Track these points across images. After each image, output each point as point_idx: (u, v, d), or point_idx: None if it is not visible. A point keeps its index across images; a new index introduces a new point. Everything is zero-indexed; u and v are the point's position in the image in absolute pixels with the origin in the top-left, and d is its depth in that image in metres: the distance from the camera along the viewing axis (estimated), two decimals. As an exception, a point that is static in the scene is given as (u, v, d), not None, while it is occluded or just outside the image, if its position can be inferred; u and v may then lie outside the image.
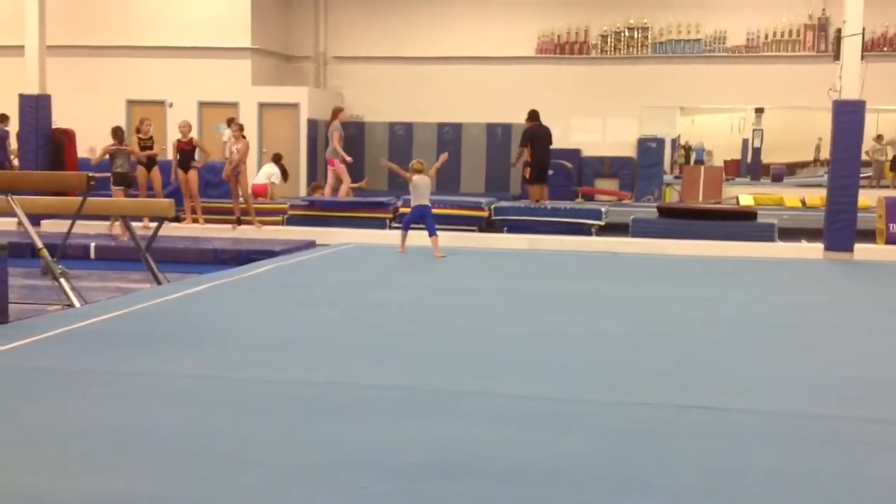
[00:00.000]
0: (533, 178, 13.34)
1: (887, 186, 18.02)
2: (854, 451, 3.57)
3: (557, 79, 18.02)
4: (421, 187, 10.07)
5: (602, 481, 3.15)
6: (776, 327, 6.18)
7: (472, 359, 5.04)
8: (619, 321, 6.28)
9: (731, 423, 3.89)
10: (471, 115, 18.24)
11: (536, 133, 13.22)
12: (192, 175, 12.76)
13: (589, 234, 12.39)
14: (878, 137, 18.64)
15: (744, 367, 4.98)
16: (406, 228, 10.31)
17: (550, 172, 13.84)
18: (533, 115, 13.40)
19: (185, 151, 12.72)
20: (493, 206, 13.00)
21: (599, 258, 10.40)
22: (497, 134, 18.01)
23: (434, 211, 12.71)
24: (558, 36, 18.28)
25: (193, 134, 13.57)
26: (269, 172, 14.99)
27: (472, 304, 7.02)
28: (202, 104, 18.19)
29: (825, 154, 19.03)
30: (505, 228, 12.67)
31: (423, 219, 10.13)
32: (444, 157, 10.83)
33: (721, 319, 6.46)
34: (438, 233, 10.18)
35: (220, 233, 12.41)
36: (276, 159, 15.52)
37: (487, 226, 12.85)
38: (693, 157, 21.09)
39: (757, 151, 19.59)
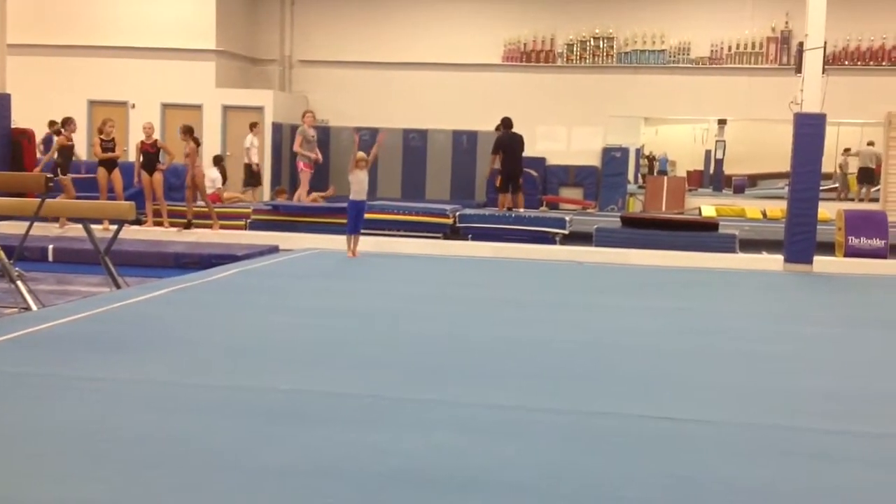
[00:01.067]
0: (502, 186, 13.42)
1: (852, 199, 18.28)
2: (813, 462, 3.59)
3: (523, 87, 18.10)
4: (364, 182, 10.11)
5: (565, 492, 3.14)
6: (736, 338, 6.22)
7: (436, 367, 5.01)
8: (583, 330, 6.29)
9: (693, 433, 3.90)
10: (437, 122, 18.25)
11: (508, 141, 13.31)
12: (157, 177, 12.61)
13: (553, 242, 12.43)
14: (846, 150, 18.88)
15: (705, 377, 5.01)
16: (355, 231, 10.27)
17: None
18: (506, 123, 13.51)
19: (149, 153, 12.57)
20: (457, 214, 13.01)
21: (563, 267, 10.43)
22: (463, 141, 18.04)
23: (399, 217, 12.80)
24: (524, 44, 18.37)
25: (157, 136, 13.42)
26: (212, 177, 14.98)
27: (436, 311, 7.00)
28: (165, 106, 18.01)
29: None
30: (469, 236, 12.68)
31: (359, 214, 10.21)
32: (382, 136, 10.91)
33: (683, 330, 6.50)
34: (404, 239, 10.23)
35: (180, 236, 12.27)
36: (216, 161, 15.50)
37: (452, 233, 12.85)
38: (657, 167, 21.28)
39: (719, 162, 19.82)
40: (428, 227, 12.72)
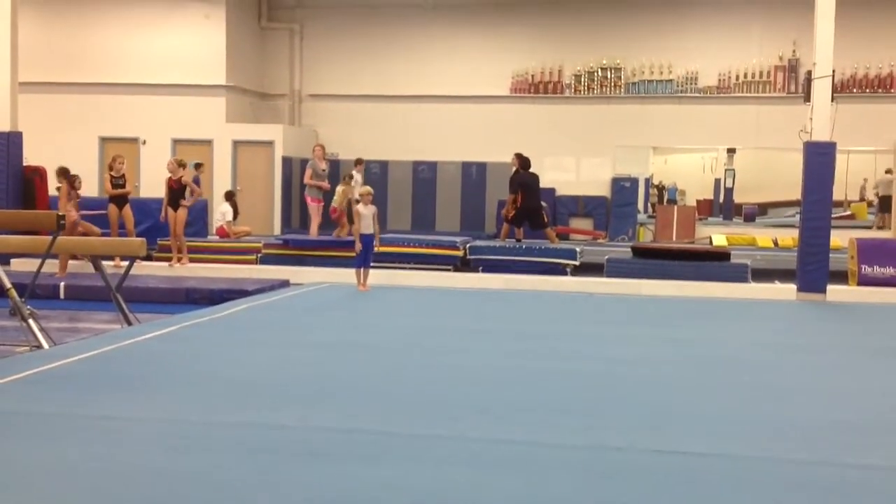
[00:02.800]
0: (514, 220, 13.48)
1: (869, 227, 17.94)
2: (830, 495, 3.54)
3: (532, 118, 18.18)
4: (370, 216, 10.06)
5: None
6: (751, 369, 6.17)
7: (447, 400, 4.98)
8: (595, 362, 6.25)
9: (707, 467, 3.85)
10: (446, 154, 18.33)
11: (528, 180, 13.45)
12: (179, 214, 12.62)
13: (564, 273, 12.40)
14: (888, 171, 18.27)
15: (719, 409, 4.95)
16: (364, 264, 10.20)
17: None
18: (524, 164, 13.59)
19: (173, 190, 12.60)
20: (468, 246, 13.01)
21: (575, 298, 10.40)
22: (472, 173, 18.10)
23: (409, 250, 12.81)
24: (532, 75, 18.47)
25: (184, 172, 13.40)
26: (222, 211, 15.04)
27: (446, 344, 6.97)
28: (176, 141, 18.15)
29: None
30: (480, 268, 12.67)
31: (367, 248, 10.13)
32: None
33: (696, 361, 6.45)
34: (414, 271, 10.23)
35: (192, 272, 12.30)
36: (228, 196, 15.56)
37: (463, 265, 12.84)
38: (666, 196, 21.26)
39: (729, 191, 19.77)
40: (438, 259, 12.73)
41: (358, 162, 15.90)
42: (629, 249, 13.10)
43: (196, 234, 14.09)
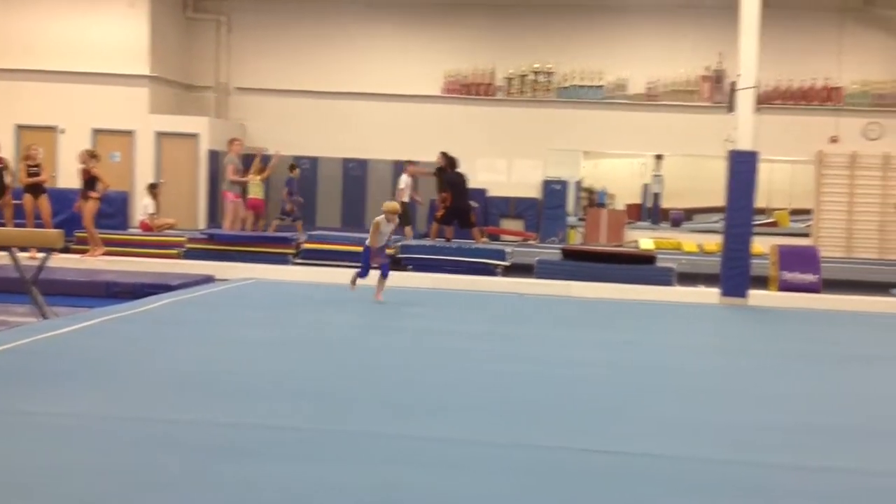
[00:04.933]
0: (444, 219, 13.46)
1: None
2: (754, 496, 3.55)
3: (464, 119, 18.18)
4: (388, 235, 9.14)
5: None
6: (678, 371, 6.22)
7: (376, 399, 4.88)
8: (527, 363, 6.22)
9: (640, 467, 3.83)
10: (377, 152, 18.20)
11: (457, 180, 13.46)
12: (90, 205, 12.20)
13: (494, 274, 12.39)
14: None
15: (650, 410, 4.96)
16: (363, 275, 9.15)
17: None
18: (452, 163, 13.57)
19: (85, 181, 12.20)
20: (398, 244, 12.90)
21: (505, 299, 10.39)
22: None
23: (339, 248, 12.64)
24: (465, 76, 18.47)
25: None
26: (144, 203, 14.70)
27: (376, 343, 6.86)
28: (97, 131, 17.62)
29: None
30: (410, 267, 12.57)
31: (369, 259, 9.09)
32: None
33: (626, 362, 6.46)
34: (343, 270, 10.01)
35: (112, 265, 11.92)
36: (150, 189, 15.21)
37: (392, 264, 12.71)
38: (596, 200, 21.50)
39: (657, 196, 20.08)
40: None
41: (409, 163, 15.50)
42: (559, 251, 13.17)
43: (117, 227, 13.68)
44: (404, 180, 14.88)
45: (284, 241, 12.90)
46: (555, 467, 3.76)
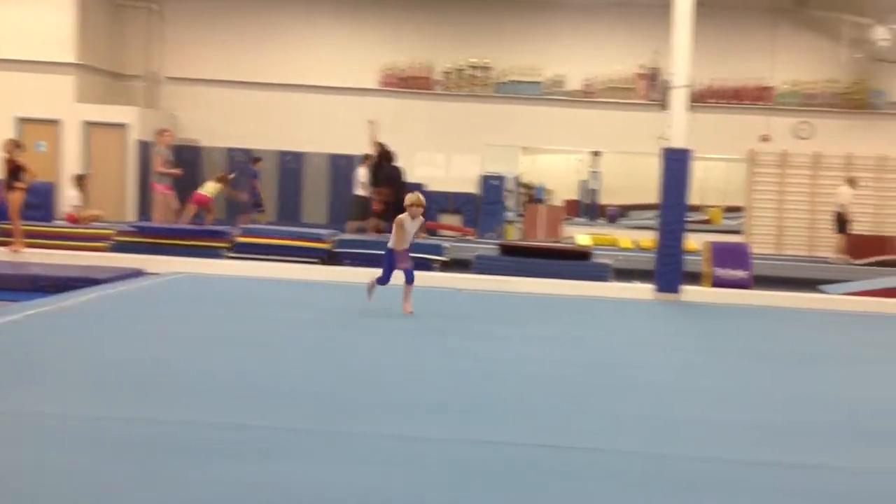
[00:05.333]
0: (382, 213, 13.34)
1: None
2: (691, 490, 3.57)
3: (402, 112, 18.07)
4: (413, 234, 8.11)
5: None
6: (614, 366, 6.24)
7: (312, 395, 4.78)
8: (466, 358, 6.17)
9: (575, 461, 3.83)
10: (314, 145, 17.98)
11: (394, 173, 13.32)
12: (14, 196, 11.75)
13: (431, 269, 12.31)
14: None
15: (585, 405, 4.96)
16: (383, 281, 8.18)
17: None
18: (388, 156, 13.45)
19: (9, 171, 11.75)
20: (335, 239, 12.75)
21: (442, 294, 10.32)
22: (341, 165, 17.82)
23: (274, 242, 12.43)
24: (402, 70, 18.35)
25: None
26: (70, 195, 14.30)
27: (313, 338, 6.73)
28: (22, 120, 17.06)
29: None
30: (347, 261, 12.42)
31: (393, 264, 8.08)
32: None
33: (562, 357, 6.46)
34: (278, 264, 9.80)
35: (37, 257, 11.52)
36: (78, 180, 14.80)
37: (329, 258, 12.56)
38: (534, 195, 21.60)
39: (594, 193, 20.26)
40: (304, 251, 12.40)
41: (367, 157, 15.09)
42: (497, 247, 13.16)
43: (42, 219, 13.25)
44: (363, 173, 14.65)
45: (217, 235, 12.63)
46: (494, 461, 3.73)
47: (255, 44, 18.42)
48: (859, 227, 16.25)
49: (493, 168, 18.31)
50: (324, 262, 12.38)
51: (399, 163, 13.86)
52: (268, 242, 12.39)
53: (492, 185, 18.00)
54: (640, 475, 3.73)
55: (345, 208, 17.59)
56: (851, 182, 16.05)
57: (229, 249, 12.42)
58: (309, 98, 18.19)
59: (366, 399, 4.79)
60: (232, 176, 15.26)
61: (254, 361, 5.70)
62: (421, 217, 8.01)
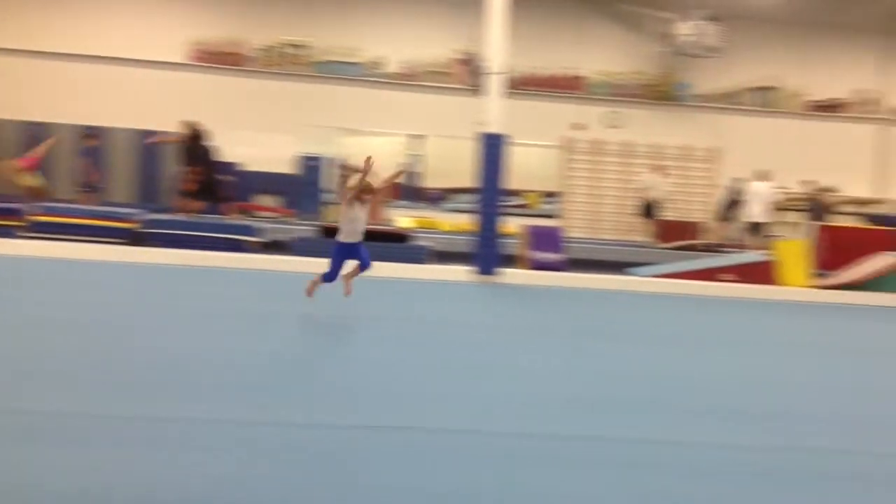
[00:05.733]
0: (193, 193, 12.76)
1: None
2: (507, 464, 3.58)
3: (216, 89, 17.40)
4: (362, 221, 7.21)
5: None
6: (433, 347, 6.20)
7: (123, 380, 4.49)
8: (275, 342, 5.95)
9: (397, 440, 3.79)
10: (118, 120, 16.98)
11: (202, 152, 12.77)
12: None
13: (246, 250, 11.90)
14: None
15: (402, 386, 4.91)
16: (333, 279, 7.23)
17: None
18: (199, 134, 12.88)
19: None
20: (143, 218, 12.07)
21: (257, 276, 9.98)
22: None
23: (76, 221, 11.62)
24: (216, 45, 17.65)
25: None
26: None
27: (118, 322, 6.29)
28: None
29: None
30: (156, 242, 11.79)
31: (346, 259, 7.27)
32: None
33: (378, 338, 6.41)
34: (82, 244, 9.13)
35: None
36: None
37: (136, 239, 11.88)
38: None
39: (416, 176, 20.28)
40: (110, 231, 11.68)
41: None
42: (317, 228, 12.90)
43: None
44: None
45: (10, 213, 11.67)
46: (293, 444, 3.64)
47: (52, 11, 17.16)
48: (666, 213, 17.09)
49: (314, 149, 17.96)
50: (130, 243, 11.70)
51: (212, 142, 13.27)
52: (67, 221, 11.57)
53: (312, 166, 17.65)
54: (458, 450, 3.73)
55: (154, 187, 16.77)
56: (658, 170, 16.86)
57: (24, 228, 11.51)
58: (112, 70, 17.16)
59: (170, 383, 4.55)
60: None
61: (61, 345, 5.24)
62: (371, 201, 7.22)
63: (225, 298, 8.09)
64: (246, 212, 16.38)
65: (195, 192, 12.80)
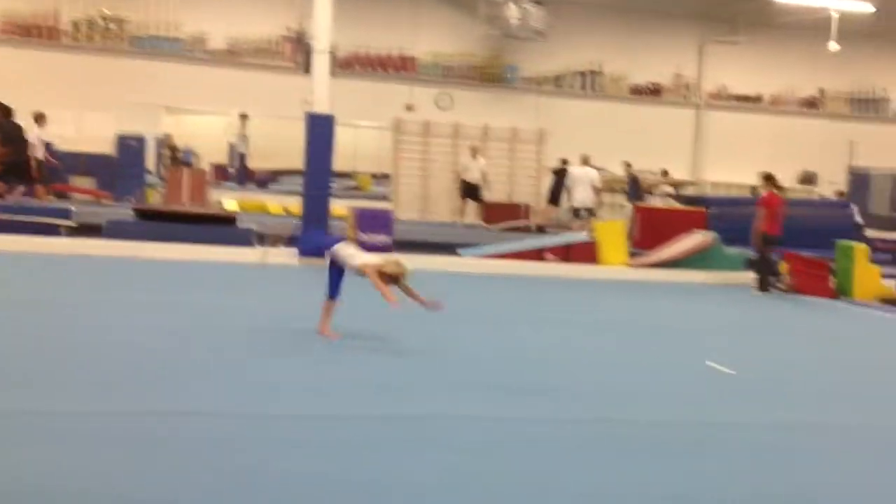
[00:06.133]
0: (7, 175, 12.01)
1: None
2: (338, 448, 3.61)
3: (23, 64, 16.34)
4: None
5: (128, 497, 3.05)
6: (253, 336, 6.14)
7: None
8: (91, 330, 5.74)
9: (244, 427, 3.93)
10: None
11: (12, 130, 12.08)
12: None
13: (59, 234, 11.27)
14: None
15: (236, 373, 4.95)
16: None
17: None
18: (6, 111, 12.09)
19: None
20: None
21: (69, 261, 9.48)
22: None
23: None
24: (26, 17, 16.55)
25: None
26: None
27: None
28: None
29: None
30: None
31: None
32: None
33: (203, 325, 6.36)
34: None
35: None
36: None
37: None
38: (180, 158, 20.59)
39: (243, 157, 19.74)
40: None
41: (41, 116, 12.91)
42: (132, 211, 12.35)
43: None
44: (36, 135, 13.00)
45: None
46: (157, 434, 3.73)
47: None
48: (493, 195, 17.37)
49: (132, 128, 17.13)
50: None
51: (20, 120, 12.45)
52: None
53: (130, 146, 16.82)
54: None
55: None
56: (474, 151, 16.97)
57: None
58: None
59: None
60: None
61: None
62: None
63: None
64: (58, 194, 15.47)
65: (4, 173, 12.03)
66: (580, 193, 15.46)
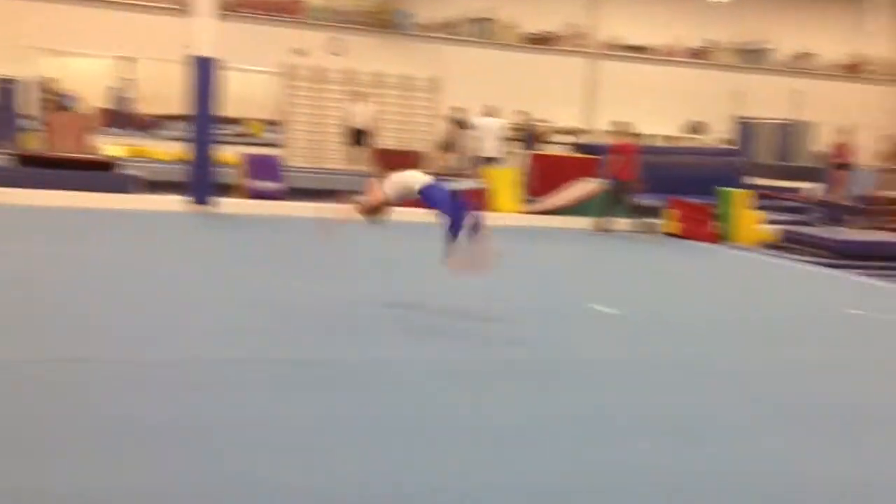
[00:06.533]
0: None
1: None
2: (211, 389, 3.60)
3: None
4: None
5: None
6: (144, 280, 6.14)
7: None
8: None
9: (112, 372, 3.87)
10: None
11: None
12: None
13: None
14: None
15: (115, 319, 4.91)
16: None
17: None
18: None
19: None
20: None
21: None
22: None
23: None
24: None
25: None
26: None
27: None
28: None
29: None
30: None
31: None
32: None
33: (85, 274, 6.23)
34: None
35: None
36: None
37: None
38: (62, 102, 19.70)
39: (128, 101, 19.03)
40: None
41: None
42: (9, 157, 11.83)
43: None
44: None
45: None
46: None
47: None
48: (384, 142, 17.22)
49: (6, 70, 16.27)
50: None
51: None
52: None
53: (5, 90, 16.00)
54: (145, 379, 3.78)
55: None
56: (362, 98, 16.69)
57: None
58: None
59: None
60: None
61: None
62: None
63: None
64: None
65: None
66: (489, 143, 15.47)
